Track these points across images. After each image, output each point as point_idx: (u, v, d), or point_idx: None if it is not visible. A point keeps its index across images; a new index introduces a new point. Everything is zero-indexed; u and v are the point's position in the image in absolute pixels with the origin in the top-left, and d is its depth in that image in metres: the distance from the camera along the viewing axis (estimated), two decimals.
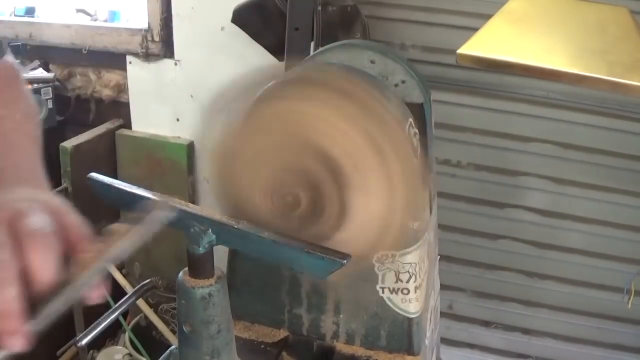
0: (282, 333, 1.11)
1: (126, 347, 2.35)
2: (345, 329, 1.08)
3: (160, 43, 2.26)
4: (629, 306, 2.10)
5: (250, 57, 2.10)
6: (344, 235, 0.77)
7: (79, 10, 2.50)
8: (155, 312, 2.37)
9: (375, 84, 1.09)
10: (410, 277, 1.03)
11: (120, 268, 2.39)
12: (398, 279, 1.03)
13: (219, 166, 0.82)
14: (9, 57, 0.92)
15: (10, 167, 0.70)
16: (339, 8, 1.84)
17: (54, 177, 2.18)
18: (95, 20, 2.49)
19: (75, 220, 0.59)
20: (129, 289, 2.27)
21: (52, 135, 2.28)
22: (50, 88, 2.30)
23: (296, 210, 0.78)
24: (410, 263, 1.02)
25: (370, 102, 0.77)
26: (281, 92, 0.80)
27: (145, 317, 2.37)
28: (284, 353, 1.09)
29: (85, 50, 2.34)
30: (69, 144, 2.24)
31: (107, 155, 2.39)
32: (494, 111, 2.09)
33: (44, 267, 0.52)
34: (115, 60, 2.35)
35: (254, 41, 1.99)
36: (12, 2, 2.52)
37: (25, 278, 0.51)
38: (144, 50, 2.27)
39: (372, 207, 0.77)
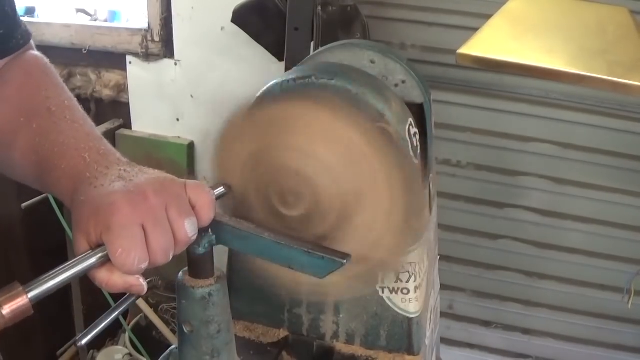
0: (282, 333, 1.11)
1: (126, 347, 2.35)
2: (345, 329, 1.08)
3: (160, 43, 2.26)
4: (629, 306, 2.10)
5: (250, 57, 2.10)
6: (344, 234, 0.77)
7: (79, 10, 2.50)
8: (155, 312, 2.37)
9: (375, 84, 1.09)
10: (410, 277, 1.03)
11: None
12: (398, 279, 1.03)
13: (219, 164, 0.82)
14: (35, 52, 0.95)
15: (107, 148, 0.78)
16: (339, 8, 1.84)
17: None
18: (95, 20, 2.49)
19: None
20: None
21: None
22: None
23: (295, 211, 0.78)
24: (410, 263, 1.02)
25: (370, 102, 0.77)
26: (280, 96, 0.80)
27: (145, 317, 2.37)
28: (284, 353, 1.09)
29: (85, 50, 2.33)
30: None
31: None
32: (494, 111, 2.09)
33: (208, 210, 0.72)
34: (115, 60, 2.35)
35: (254, 41, 1.99)
36: None
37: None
38: (144, 50, 2.27)
39: (373, 208, 0.76)
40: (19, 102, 0.84)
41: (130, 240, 0.66)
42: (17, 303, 0.61)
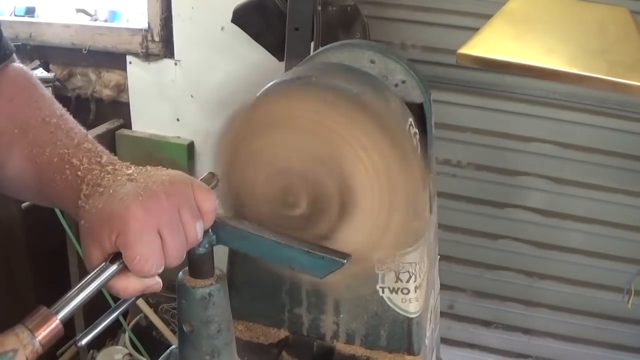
0: (282, 333, 1.11)
1: (126, 347, 2.35)
2: (345, 329, 1.08)
3: (160, 43, 2.26)
4: (629, 306, 2.10)
5: (250, 57, 2.09)
6: (344, 235, 0.77)
7: (79, 10, 2.50)
8: (155, 312, 2.37)
9: (375, 84, 1.09)
10: (410, 277, 1.03)
11: None
12: (398, 279, 1.03)
13: (222, 164, 0.82)
14: (19, 63, 0.93)
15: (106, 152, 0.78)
16: (339, 8, 1.84)
17: None
18: (95, 20, 2.49)
19: None
20: None
21: None
22: (50, 88, 2.29)
23: (297, 210, 0.78)
24: (410, 263, 1.02)
25: (372, 102, 0.77)
26: (286, 93, 0.79)
27: (145, 317, 2.37)
28: (284, 353, 1.09)
29: (85, 50, 2.34)
30: None
31: None
32: (494, 111, 2.09)
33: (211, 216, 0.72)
34: (115, 60, 2.35)
35: (254, 41, 1.99)
36: (12, 2, 2.52)
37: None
38: (144, 50, 2.27)
39: (373, 209, 0.76)
40: (12, 113, 0.82)
41: (147, 247, 0.65)
42: (49, 327, 0.60)
